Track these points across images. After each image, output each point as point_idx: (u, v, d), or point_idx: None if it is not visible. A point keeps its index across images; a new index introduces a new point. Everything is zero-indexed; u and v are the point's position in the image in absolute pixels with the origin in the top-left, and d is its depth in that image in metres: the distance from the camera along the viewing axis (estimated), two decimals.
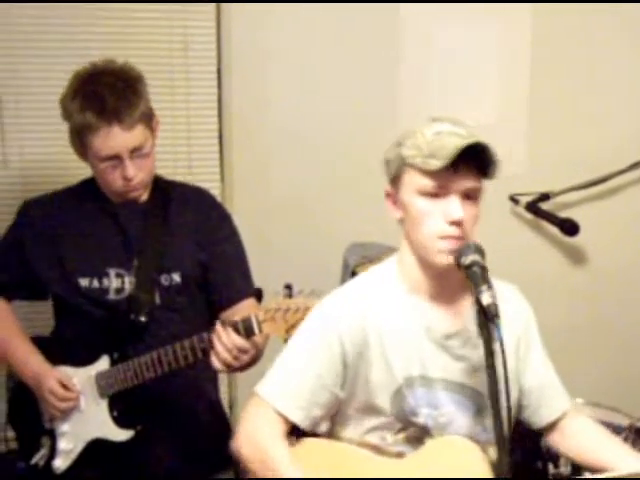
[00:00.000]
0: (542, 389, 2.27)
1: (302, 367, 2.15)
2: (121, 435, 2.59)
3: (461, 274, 2.04)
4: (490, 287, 1.93)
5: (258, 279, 2.84)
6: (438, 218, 2.04)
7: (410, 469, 2.13)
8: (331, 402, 2.17)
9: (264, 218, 3.57)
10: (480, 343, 2.00)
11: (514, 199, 3.75)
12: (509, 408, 1.93)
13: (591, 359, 3.92)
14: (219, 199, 3.48)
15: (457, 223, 2.03)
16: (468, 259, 1.98)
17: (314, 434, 2.23)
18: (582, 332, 3.84)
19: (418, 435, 2.17)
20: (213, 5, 3.46)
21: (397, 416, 2.16)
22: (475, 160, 2.02)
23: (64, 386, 2.59)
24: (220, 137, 3.56)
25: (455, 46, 3.66)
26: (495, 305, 1.89)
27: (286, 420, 2.14)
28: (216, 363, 2.42)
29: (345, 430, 2.23)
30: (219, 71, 3.50)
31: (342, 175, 3.61)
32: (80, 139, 2.56)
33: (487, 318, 1.90)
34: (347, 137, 3.59)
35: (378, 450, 2.19)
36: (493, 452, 2.12)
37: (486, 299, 1.90)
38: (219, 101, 3.53)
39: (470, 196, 2.05)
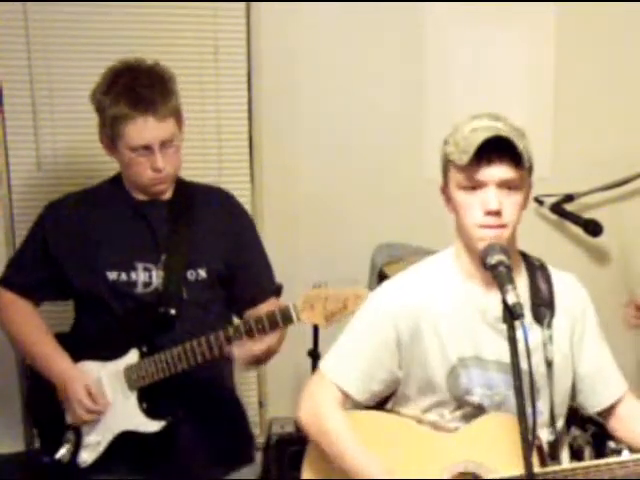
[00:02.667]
0: (596, 375, 2.33)
1: (360, 346, 2.30)
2: (152, 426, 2.61)
3: (514, 260, 2.16)
4: (515, 287, 1.97)
5: (287, 279, 2.87)
6: (477, 209, 2.13)
7: (460, 442, 2.24)
8: (388, 379, 2.31)
9: (293, 219, 3.62)
10: (534, 326, 2.17)
11: (539, 200, 3.77)
12: (534, 407, 2.00)
13: (615, 357, 3.93)
14: (249, 201, 3.56)
15: (494, 213, 2.10)
16: (494, 259, 2.03)
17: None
18: (606, 332, 3.84)
19: (475, 413, 2.26)
20: (243, 7, 3.48)
21: (453, 395, 2.25)
22: (509, 151, 2.09)
23: (91, 395, 2.61)
24: (250, 139, 3.59)
25: (480, 50, 3.68)
26: (520, 305, 1.93)
27: (344, 393, 2.29)
28: (249, 359, 2.51)
29: (406, 408, 2.34)
30: (249, 74, 3.53)
31: (370, 177, 3.65)
32: (112, 130, 2.57)
33: (512, 317, 1.94)
34: (375, 140, 3.63)
35: (436, 426, 2.29)
36: (543, 433, 2.23)
37: (511, 298, 1.94)
38: (249, 104, 3.56)
39: (510, 186, 2.12)
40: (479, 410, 2.25)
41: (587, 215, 3.75)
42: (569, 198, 3.73)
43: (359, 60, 3.60)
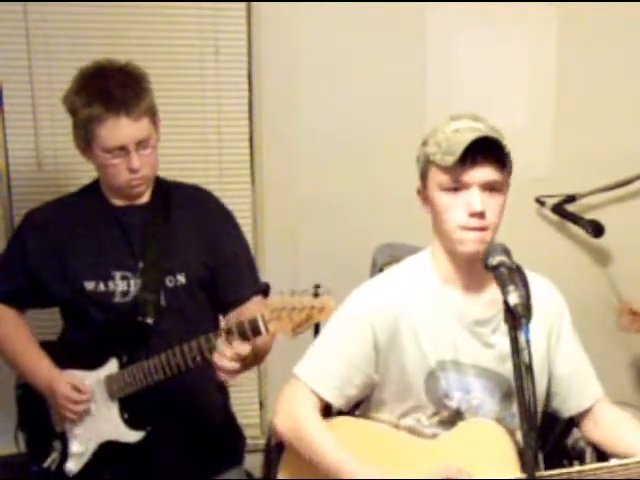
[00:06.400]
0: (572, 378, 2.31)
1: (336, 350, 2.26)
2: (132, 436, 2.61)
3: None
4: (517, 287, 1.95)
5: (288, 280, 2.87)
6: (460, 210, 2.12)
7: (440, 448, 2.21)
8: (365, 383, 2.27)
9: (294, 220, 3.60)
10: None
11: (540, 201, 3.76)
12: (535, 407, 1.98)
13: (616, 360, 3.93)
14: (249, 201, 3.55)
15: (478, 215, 2.10)
16: (495, 260, 2.01)
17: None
18: (607, 333, 3.85)
19: (452, 418, 2.24)
20: (244, 8, 3.47)
21: (431, 399, 2.23)
22: (493, 152, 2.08)
23: (76, 389, 2.61)
24: (251, 140, 3.58)
25: (481, 50, 3.68)
26: (522, 305, 1.91)
27: (320, 399, 2.25)
28: (222, 375, 2.42)
29: (381, 413, 2.32)
30: (250, 75, 3.53)
31: (371, 177, 3.64)
32: (86, 132, 2.54)
33: (514, 318, 1.92)
34: (376, 139, 3.62)
35: (413, 432, 2.26)
36: (520, 436, 2.15)
37: (513, 299, 1.91)
38: (249, 104, 3.55)
39: (493, 188, 2.12)
40: (457, 415, 2.24)
41: (589, 216, 3.74)
42: (571, 199, 3.72)
43: (360, 60, 3.59)
